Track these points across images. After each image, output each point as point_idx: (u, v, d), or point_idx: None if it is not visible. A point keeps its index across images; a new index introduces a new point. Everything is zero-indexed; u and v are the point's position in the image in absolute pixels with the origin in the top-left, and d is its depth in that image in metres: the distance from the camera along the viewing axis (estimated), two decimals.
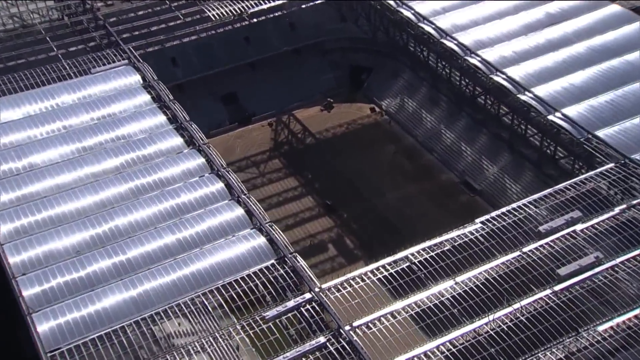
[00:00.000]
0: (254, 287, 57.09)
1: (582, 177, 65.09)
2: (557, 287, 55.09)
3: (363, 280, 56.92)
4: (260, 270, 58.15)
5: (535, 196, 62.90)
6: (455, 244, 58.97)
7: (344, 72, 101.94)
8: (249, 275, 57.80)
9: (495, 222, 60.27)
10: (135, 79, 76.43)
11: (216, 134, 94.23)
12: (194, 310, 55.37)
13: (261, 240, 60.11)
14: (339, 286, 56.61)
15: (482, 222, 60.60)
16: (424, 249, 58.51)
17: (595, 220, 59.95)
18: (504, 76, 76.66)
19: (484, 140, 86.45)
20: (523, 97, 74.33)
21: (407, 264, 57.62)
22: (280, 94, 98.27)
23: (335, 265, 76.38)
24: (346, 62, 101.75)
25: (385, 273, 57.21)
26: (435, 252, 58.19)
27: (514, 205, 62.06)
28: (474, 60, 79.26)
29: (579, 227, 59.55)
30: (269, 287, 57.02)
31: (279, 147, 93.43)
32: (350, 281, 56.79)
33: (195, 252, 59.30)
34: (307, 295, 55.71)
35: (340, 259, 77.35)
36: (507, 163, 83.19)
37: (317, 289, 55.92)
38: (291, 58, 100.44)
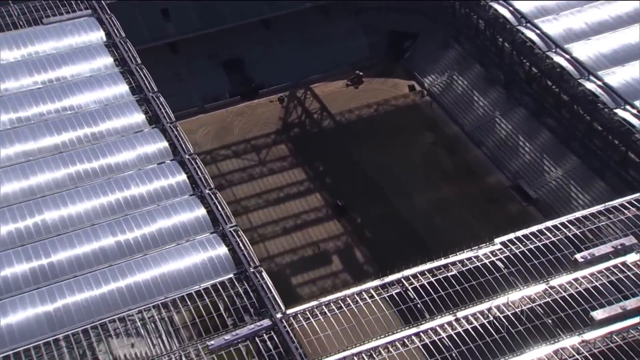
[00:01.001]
0: (202, 308, 55.94)
1: None
2: (589, 335, 52.35)
3: (340, 307, 55.32)
4: (214, 286, 57.08)
5: (579, 214, 60.31)
6: (465, 268, 56.91)
7: (380, 38, 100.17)
8: (198, 292, 56.76)
9: (519, 244, 58.08)
10: (98, 35, 75.82)
11: (213, 109, 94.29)
12: (123, 333, 54.50)
13: (221, 248, 59.10)
14: (308, 313, 55.12)
15: (502, 243, 58.53)
16: (423, 273, 56.61)
17: None
18: (566, 55, 73.75)
19: (547, 136, 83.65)
20: (588, 85, 71.42)
21: (398, 290, 55.87)
22: (297, 62, 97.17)
23: (338, 282, 74.97)
24: (384, 26, 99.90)
25: (369, 300, 55.47)
26: (437, 278, 56.23)
27: (549, 223, 59.64)
28: (529, 33, 76.52)
29: (630, 258, 56.62)
30: (221, 308, 55.88)
31: (288, 129, 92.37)
32: (324, 307, 55.27)
33: (137, 258, 58.48)
34: (266, 322, 54.44)
35: (345, 274, 76.12)
36: (575, 166, 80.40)
37: (279, 315, 54.59)
38: (315, 17, 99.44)
